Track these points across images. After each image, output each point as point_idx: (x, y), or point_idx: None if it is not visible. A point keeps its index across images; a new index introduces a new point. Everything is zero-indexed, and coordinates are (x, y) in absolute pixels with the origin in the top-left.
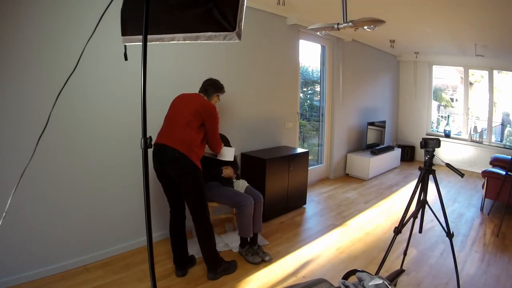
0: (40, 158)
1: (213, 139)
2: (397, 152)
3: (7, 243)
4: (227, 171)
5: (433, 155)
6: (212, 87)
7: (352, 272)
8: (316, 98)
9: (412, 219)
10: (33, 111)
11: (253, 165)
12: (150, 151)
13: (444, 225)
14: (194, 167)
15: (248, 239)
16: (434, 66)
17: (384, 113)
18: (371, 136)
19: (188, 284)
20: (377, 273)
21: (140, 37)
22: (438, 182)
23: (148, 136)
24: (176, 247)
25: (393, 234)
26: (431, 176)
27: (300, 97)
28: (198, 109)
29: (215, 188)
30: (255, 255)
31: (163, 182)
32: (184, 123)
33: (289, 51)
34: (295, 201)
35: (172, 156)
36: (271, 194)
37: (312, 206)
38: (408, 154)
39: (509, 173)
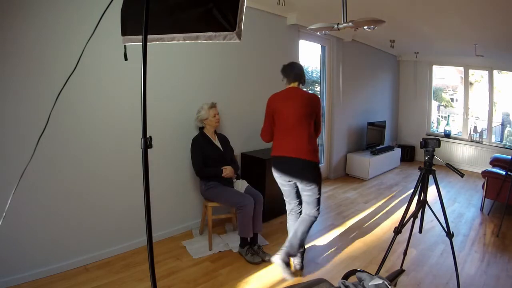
0: (40, 158)
1: (320, 128)
2: (397, 152)
3: (7, 243)
4: (227, 171)
5: (433, 155)
6: (304, 75)
7: (352, 272)
8: None
9: (412, 219)
10: (33, 111)
11: (253, 165)
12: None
13: (444, 225)
14: (317, 167)
15: (248, 239)
16: (434, 66)
17: (384, 113)
18: (371, 136)
19: (188, 284)
20: (377, 273)
21: (140, 37)
22: (438, 182)
23: (148, 136)
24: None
25: (393, 234)
26: (431, 176)
27: None
28: (305, 103)
29: (215, 188)
30: (255, 255)
31: (286, 185)
32: (298, 125)
33: (289, 51)
34: None
35: (300, 167)
36: (271, 194)
37: None
38: (408, 154)
39: (509, 173)
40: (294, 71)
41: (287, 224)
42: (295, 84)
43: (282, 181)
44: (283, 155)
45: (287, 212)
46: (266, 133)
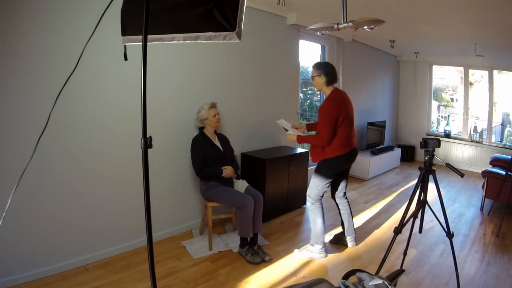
0: (40, 158)
1: None
2: (397, 152)
3: (7, 243)
4: (227, 171)
5: (433, 155)
6: None
7: (352, 272)
8: (316, 98)
9: (412, 219)
10: (33, 111)
11: (253, 165)
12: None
13: (444, 225)
14: None
15: (248, 239)
16: (434, 66)
17: (384, 113)
18: (371, 136)
19: (188, 284)
20: (377, 273)
21: (140, 37)
22: (438, 182)
23: (148, 136)
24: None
25: (393, 234)
26: (431, 176)
27: (300, 97)
28: (351, 104)
29: (215, 188)
30: (255, 255)
31: (333, 178)
32: (353, 122)
33: (289, 51)
34: (295, 201)
35: (357, 154)
36: (271, 194)
37: None
38: (408, 154)
39: (509, 173)
40: (335, 73)
41: (310, 214)
42: (334, 86)
43: (335, 174)
44: (352, 148)
45: (309, 205)
46: (330, 137)
